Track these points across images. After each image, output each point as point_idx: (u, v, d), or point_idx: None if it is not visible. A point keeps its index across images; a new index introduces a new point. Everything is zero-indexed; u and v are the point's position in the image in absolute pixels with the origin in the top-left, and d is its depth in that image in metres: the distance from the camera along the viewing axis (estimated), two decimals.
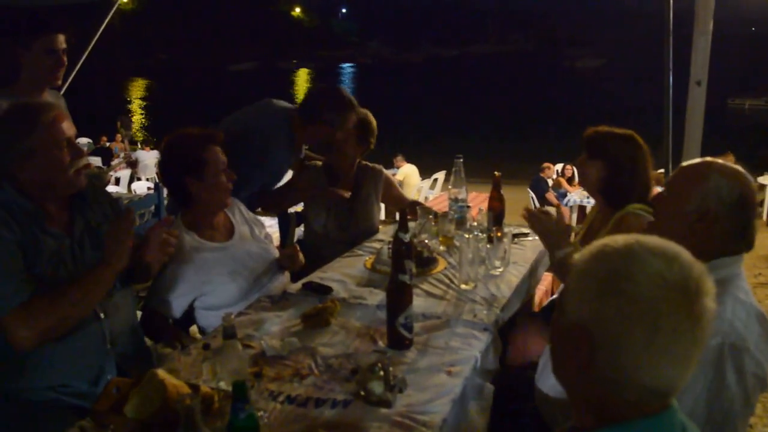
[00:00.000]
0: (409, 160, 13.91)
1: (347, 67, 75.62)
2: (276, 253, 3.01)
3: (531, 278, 3.11)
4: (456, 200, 3.40)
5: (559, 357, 1.24)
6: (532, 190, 11.66)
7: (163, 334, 2.66)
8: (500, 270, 2.93)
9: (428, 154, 16.28)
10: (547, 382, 2.14)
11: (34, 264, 2.12)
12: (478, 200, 10.13)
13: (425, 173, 13.86)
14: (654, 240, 1.17)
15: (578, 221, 11.36)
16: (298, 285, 2.80)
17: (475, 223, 3.13)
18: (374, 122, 3.82)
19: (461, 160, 3.35)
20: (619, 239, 1.18)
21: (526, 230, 3.50)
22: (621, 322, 1.10)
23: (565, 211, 11.62)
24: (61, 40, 3.16)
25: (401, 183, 13.37)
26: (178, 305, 2.72)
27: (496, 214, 3.24)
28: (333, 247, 3.53)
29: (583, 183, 3.03)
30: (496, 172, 3.27)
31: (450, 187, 3.43)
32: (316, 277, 2.91)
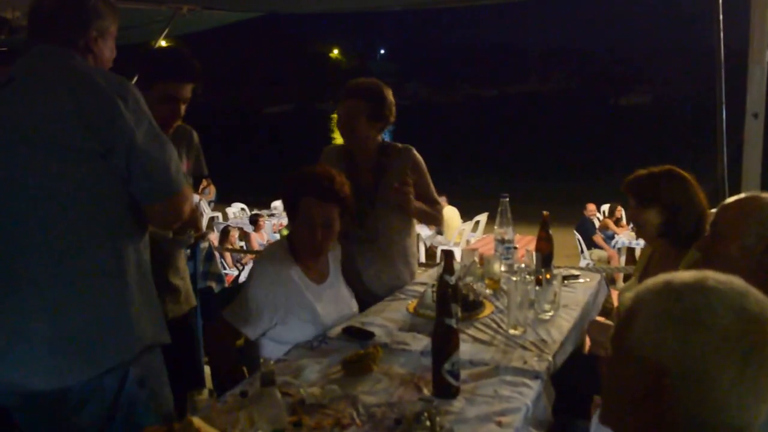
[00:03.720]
0: (450, 202, 13.88)
1: None
2: (355, 307, 3.06)
3: (583, 322, 3.02)
4: (502, 241, 3.34)
5: (625, 405, 1.17)
6: (579, 232, 11.52)
7: (226, 357, 2.72)
8: (550, 314, 2.85)
9: (470, 195, 16.24)
10: None
11: None
12: (522, 242, 10.04)
13: (467, 215, 13.80)
14: (720, 274, 1.13)
15: (627, 263, 11.15)
16: (338, 330, 2.76)
17: (523, 265, 3.08)
18: (389, 94, 3.45)
19: (507, 199, 3.31)
20: (684, 274, 1.15)
21: (576, 272, 3.43)
22: (708, 359, 1.06)
23: (613, 253, 11.43)
24: (186, 90, 2.93)
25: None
26: (256, 326, 2.73)
27: (545, 255, 3.17)
28: (349, 246, 3.31)
29: (640, 233, 2.95)
30: (544, 212, 3.21)
31: (496, 227, 3.38)
32: (356, 321, 2.86)
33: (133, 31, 5.83)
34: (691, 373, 1.07)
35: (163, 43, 5.86)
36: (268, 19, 6.63)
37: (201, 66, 2.97)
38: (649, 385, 1.10)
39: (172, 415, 2.18)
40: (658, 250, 2.96)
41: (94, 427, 2.10)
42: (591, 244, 11.42)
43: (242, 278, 8.54)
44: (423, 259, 13.21)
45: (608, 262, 11.17)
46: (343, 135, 3.47)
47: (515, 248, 3.41)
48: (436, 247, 13.19)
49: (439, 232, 13.40)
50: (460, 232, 13.27)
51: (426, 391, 2.19)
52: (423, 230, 13.46)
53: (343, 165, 3.42)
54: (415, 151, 3.51)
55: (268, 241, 12.52)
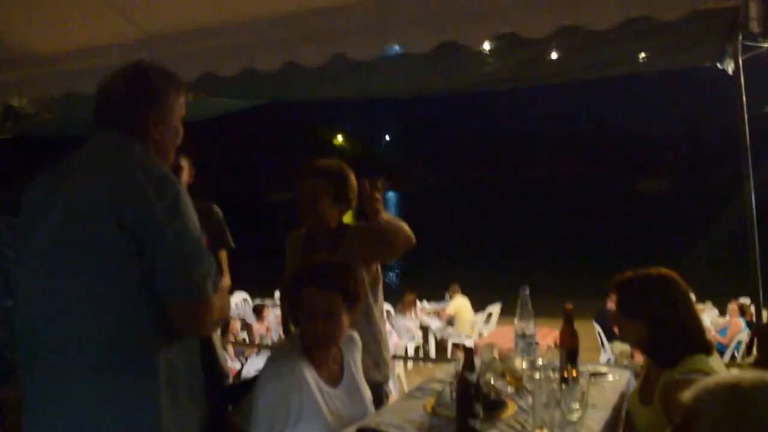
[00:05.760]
0: (461, 292, 13.83)
1: (390, 195, 76.48)
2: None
3: (613, 425, 2.94)
4: (523, 336, 3.28)
5: None
6: (599, 324, 11.38)
7: None
8: (578, 415, 2.76)
9: (481, 286, 16.17)
10: None
11: None
12: (539, 335, 9.90)
13: (478, 306, 13.72)
14: None
15: None
16: (352, 430, 2.69)
17: (546, 362, 3.02)
18: (352, 176, 3.45)
19: (527, 291, 3.29)
20: (749, 375, 1.11)
21: (603, 369, 3.37)
22: None
23: None
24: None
25: (452, 318, 13.23)
26: (264, 427, 2.66)
27: (570, 350, 3.09)
28: None
29: (625, 341, 2.93)
30: (567, 305, 3.18)
31: (516, 321, 3.33)
32: (371, 421, 2.79)
33: None
34: None
35: None
36: (273, 106, 6.80)
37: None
38: None
39: None
40: (646, 362, 2.92)
41: None
42: (611, 336, 11.25)
43: (245, 372, 8.43)
44: (433, 353, 13.07)
45: (632, 356, 10.99)
46: (302, 218, 3.44)
47: (537, 343, 3.35)
48: (447, 340, 13.06)
49: (450, 323, 13.30)
50: (472, 325, 13.16)
51: None
52: (433, 322, 13.38)
53: (300, 251, 3.46)
54: (364, 224, 3.42)
55: (278, 334, 12.38)
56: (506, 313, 13.81)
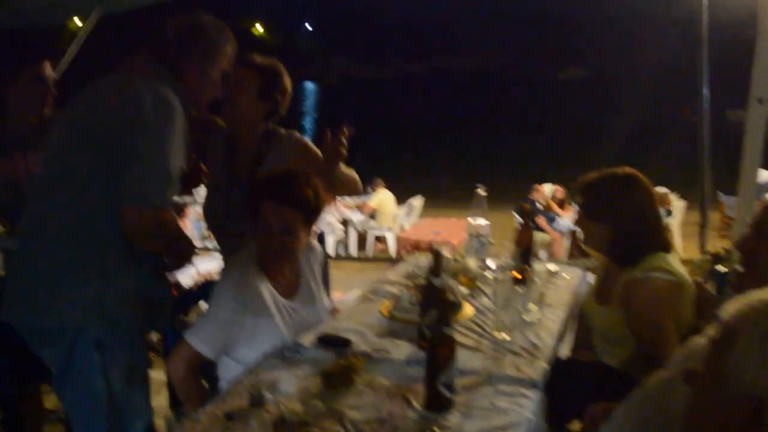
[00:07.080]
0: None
1: (309, 85, 74.54)
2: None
3: (569, 323, 3.00)
4: (477, 236, 3.28)
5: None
6: (519, 214, 11.55)
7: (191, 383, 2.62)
8: (538, 316, 2.80)
9: (403, 177, 16.19)
10: None
11: None
12: (459, 227, 10.05)
13: (400, 198, 13.74)
14: None
15: (571, 250, 11.24)
16: (311, 338, 2.65)
17: (498, 262, 3.03)
18: (285, 75, 3.26)
19: (483, 191, 3.25)
20: None
21: (555, 267, 3.42)
22: None
23: (557, 236, 11.51)
24: (48, 67, 3.28)
25: (375, 211, 13.25)
26: (218, 345, 2.59)
27: (525, 249, 3.12)
28: (227, 240, 3.29)
29: (584, 242, 2.89)
30: (525, 204, 3.19)
31: (469, 220, 3.32)
32: (329, 327, 2.77)
33: (49, 13, 5.65)
34: None
35: (78, 23, 5.77)
36: None
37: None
38: (745, 418, 1.02)
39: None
40: (603, 262, 2.93)
41: (59, 364, 2.53)
42: (533, 227, 11.40)
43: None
44: (355, 246, 13.11)
45: (550, 245, 11.29)
46: (224, 111, 3.25)
47: (491, 243, 3.34)
48: (367, 233, 13.11)
49: (372, 217, 13.33)
50: (394, 217, 13.21)
51: (416, 404, 2.13)
52: (355, 215, 13.35)
53: (223, 151, 3.34)
54: (298, 135, 3.33)
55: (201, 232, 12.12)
56: (428, 206, 13.98)
